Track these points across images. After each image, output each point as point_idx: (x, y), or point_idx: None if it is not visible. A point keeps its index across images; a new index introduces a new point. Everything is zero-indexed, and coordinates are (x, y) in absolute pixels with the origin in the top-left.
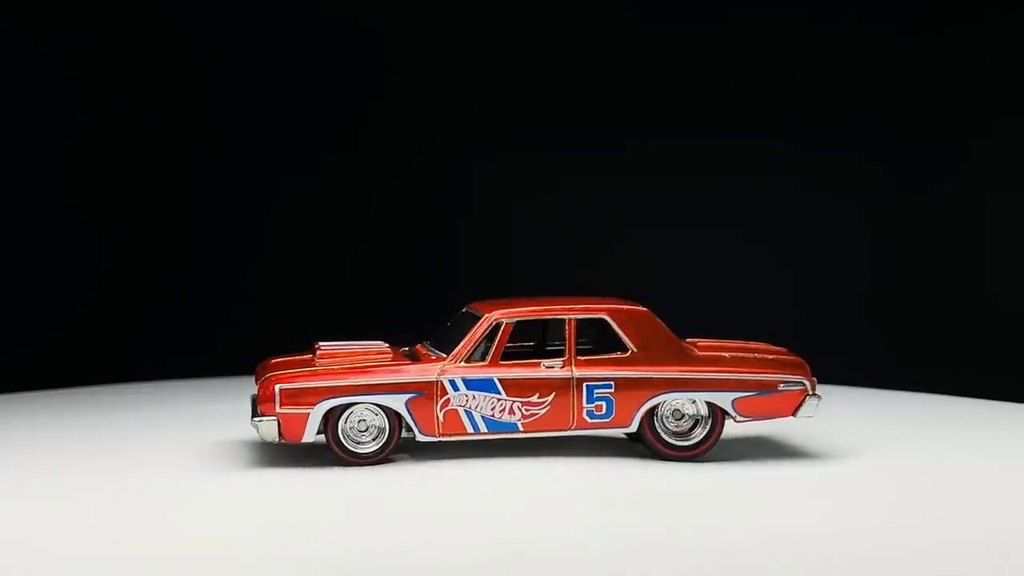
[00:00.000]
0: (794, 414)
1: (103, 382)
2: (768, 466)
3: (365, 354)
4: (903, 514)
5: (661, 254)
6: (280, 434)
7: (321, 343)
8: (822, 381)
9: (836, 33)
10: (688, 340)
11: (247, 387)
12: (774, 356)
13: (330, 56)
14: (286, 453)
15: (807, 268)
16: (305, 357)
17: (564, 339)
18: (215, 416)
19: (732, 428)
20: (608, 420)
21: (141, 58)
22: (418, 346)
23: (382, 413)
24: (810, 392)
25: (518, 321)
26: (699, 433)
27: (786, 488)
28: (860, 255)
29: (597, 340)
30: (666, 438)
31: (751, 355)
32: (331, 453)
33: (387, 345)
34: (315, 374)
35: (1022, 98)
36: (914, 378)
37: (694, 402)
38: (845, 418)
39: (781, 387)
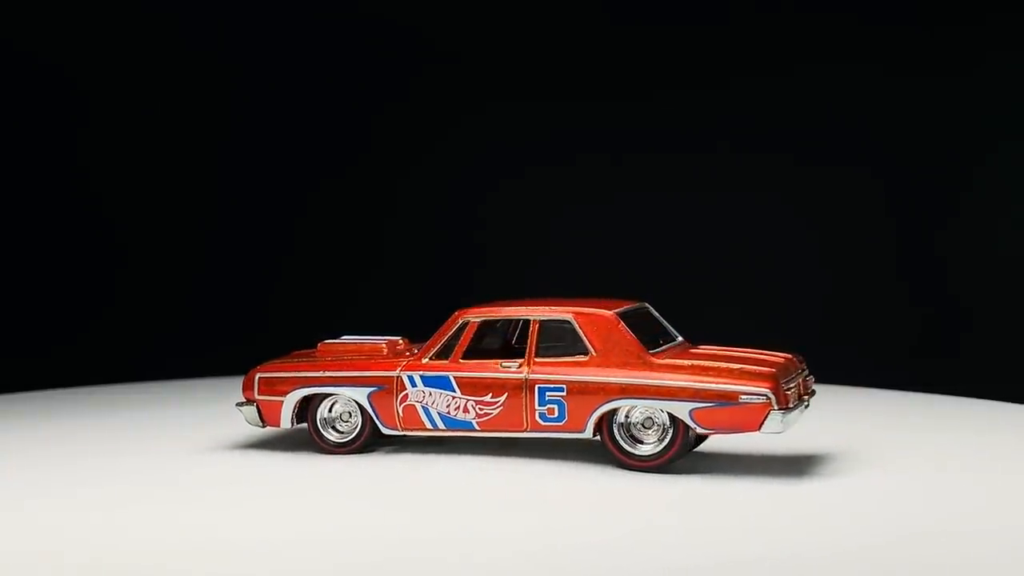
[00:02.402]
0: (759, 429)
1: (109, 382)
2: (715, 480)
3: (358, 349)
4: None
5: (676, 256)
6: (261, 420)
7: (344, 337)
8: (823, 381)
9: (837, 36)
10: (690, 346)
11: None
12: (739, 366)
13: (350, 55)
14: (298, 448)
15: (808, 268)
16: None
17: (540, 340)
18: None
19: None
20: (561, 424)
21: (166, 60)
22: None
23: (355, 405)
24: (775, 406)
25: (484, 320)
26: (656, 443)
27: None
28: (860, 256)
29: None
30: (625, 446)
31: (716, 363)
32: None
33: (401, 340)
34: (292, 365)
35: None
36: (913, 378)
37: (663, 411)
38: (836, 421)
39: (742, 399)
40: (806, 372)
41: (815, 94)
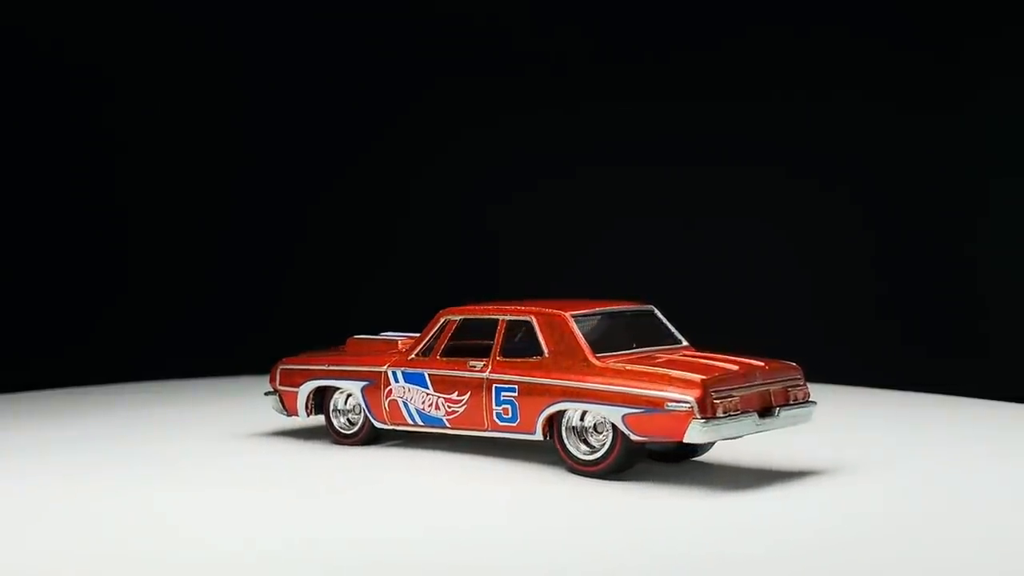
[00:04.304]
0: (682, 437)
1: (115, 382)
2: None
3: (373, 344)
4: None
5: (681, 259)
6: (284, 409)
7: (383, 334)
8: (823, 381)
9: (861, 56)
10: (689, 350)
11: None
12: (674, 371)
13: (365, 59)
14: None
15: (810, 269)
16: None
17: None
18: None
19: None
20: (515, 425)
21: (177, 57)
22: None
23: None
24: (697, 415)
25: (464, 319)
26: (599, 448)
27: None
28: (862, 257)
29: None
30: (571, 449)
31: (655, 369)
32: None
33: None
34: (309, 358)
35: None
36: (913, 378)
37: (602, 416)
38: (835, 421)
39: (668, 406)
40: (788, 382)
41: (814, 112)
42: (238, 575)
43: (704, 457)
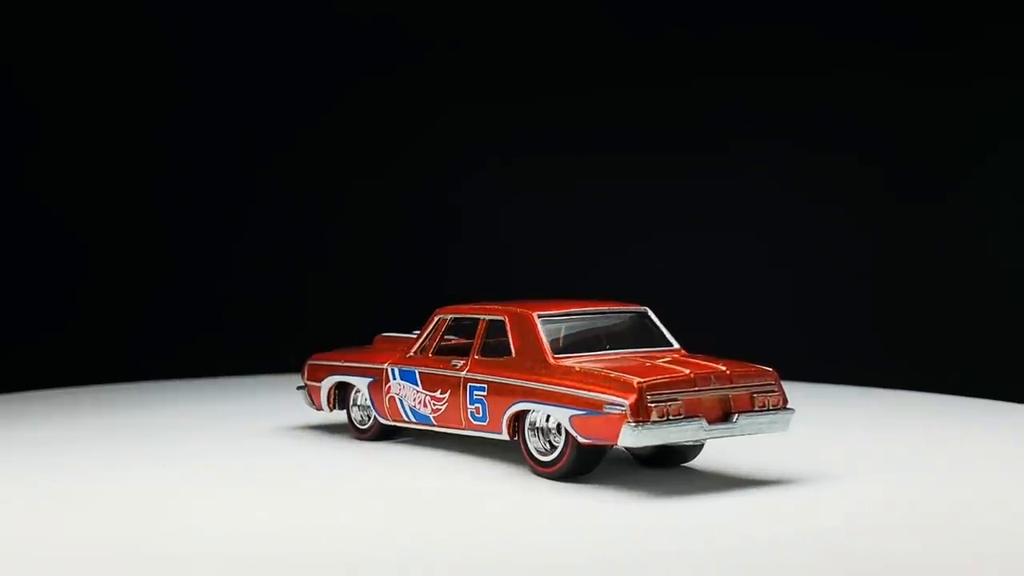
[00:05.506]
0: (617, 441)
1: (95, 382)
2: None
3: (392, 342)
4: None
5: (669, 257)
6: (313, 402)
7: (416, 332)
8: (820, 379)
9: (842, 41)
10: (679, 354)
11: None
12: (608, 373)
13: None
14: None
15: (808, 269)
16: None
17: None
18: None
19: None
20: (485, 424)
21: (118, 52)
22: None
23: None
24: (629, 418)
25: (455, 318)
26: (554, 450)
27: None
28: (860, 256)
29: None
30: (532, 451)
31: (599, 370)
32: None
33: (453, 339)
34: (333, 354)
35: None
36: (912, 377)
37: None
38: (830, 421)
39: (606, 408)
40: (756, 387)
41: (815, 114)
42: (237, 573)
43: (694, 463)
